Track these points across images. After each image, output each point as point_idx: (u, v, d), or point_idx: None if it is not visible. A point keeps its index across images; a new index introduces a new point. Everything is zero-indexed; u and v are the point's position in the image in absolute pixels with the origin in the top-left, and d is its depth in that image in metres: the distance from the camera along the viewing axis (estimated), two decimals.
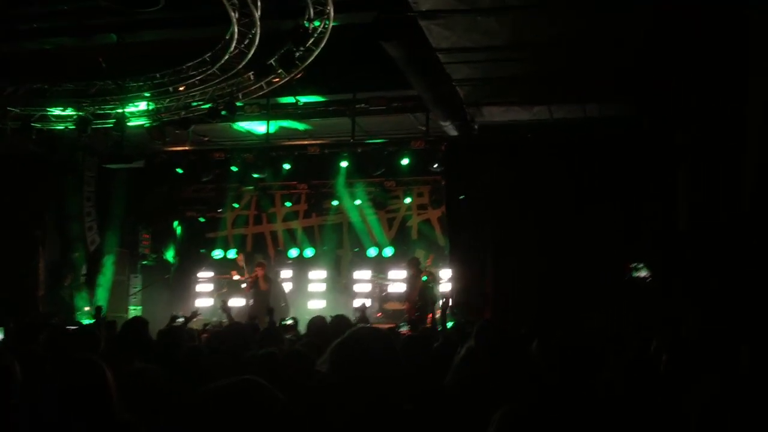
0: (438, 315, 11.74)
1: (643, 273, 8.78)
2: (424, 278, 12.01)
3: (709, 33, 6.88)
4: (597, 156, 10.63)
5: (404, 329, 7.22)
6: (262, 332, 5.67)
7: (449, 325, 7.61)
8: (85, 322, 11.17)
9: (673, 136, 8.69)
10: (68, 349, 3.83)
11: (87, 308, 13.75)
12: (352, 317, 9.84)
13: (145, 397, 3.16)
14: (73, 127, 11.62)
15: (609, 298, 9.72)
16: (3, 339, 4.20)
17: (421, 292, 11.73)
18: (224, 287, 16.01)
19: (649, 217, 9.78)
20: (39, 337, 4.52)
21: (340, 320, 5.59)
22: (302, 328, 7.43)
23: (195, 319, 8.26)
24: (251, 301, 13.34)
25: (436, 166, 12.76)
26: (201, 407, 1.57)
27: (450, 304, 8.39)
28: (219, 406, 1.56)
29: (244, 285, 14.54)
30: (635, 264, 8.90)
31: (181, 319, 7.57)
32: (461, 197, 11.67)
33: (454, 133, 11.23)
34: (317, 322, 5.89)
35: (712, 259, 5.98)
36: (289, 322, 8.47)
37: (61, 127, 11.96)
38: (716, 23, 6.63)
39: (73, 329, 6.38)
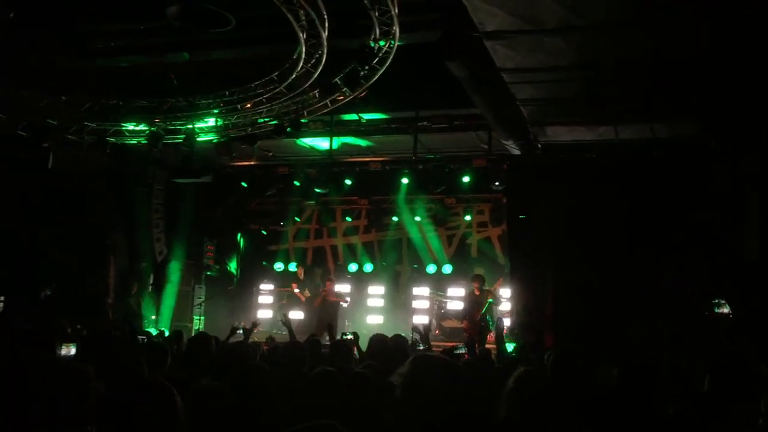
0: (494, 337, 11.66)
1: (725, 309, 8.46)
2: (491, 300, 11.91)
3: None
4: (663, 177, 10.37)
5: (462, 351, 7.15)
6: (331, 350, 5.71)
7: (510, 347, 7.52)
8: (153, 331, 11.50)
9: (741, 158, 8.42)
10: (137, 364, 3.94)
11: (153, 317, 14.18)
12: (411, 335, 9.88)
13: (209, 416, 3.23)
14: (145, 141, 12.03)
15: (669, 323, 9.44)
16: (76, 353, 4.36)
17: (486, 313, 11.65)
18: (284, 299, 16.24)
19: (716, 242, 9.46)
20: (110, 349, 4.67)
21: (399, 341, 5.59)
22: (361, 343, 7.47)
23: (255, 330, 8.38)
24: (316, 315, 13.56)
25: (497, 184, 12.68)
26: None
27: (504, 328, 8.30)
28: None
29: (303, 296, 14.82)
30: (717, 300, 8.57)
31: (240, 331, 7.68)
32: (522, 216, 11.55)
33: (516, 152, 11.14)
34: (378, 341, 5.90)
35: None
36: (350, 336, 8.51)
37: (134, 141, 12.42)
38: None
39: (141, 340, 6.60)
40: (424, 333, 7.29)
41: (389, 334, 6.95)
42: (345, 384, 3.40)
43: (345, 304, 14.11)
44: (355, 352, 6.69)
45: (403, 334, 8.10)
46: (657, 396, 3.70)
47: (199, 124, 11.91)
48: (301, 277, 16.00)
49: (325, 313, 12.98)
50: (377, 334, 6.43)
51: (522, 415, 2.89)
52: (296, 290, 15.51)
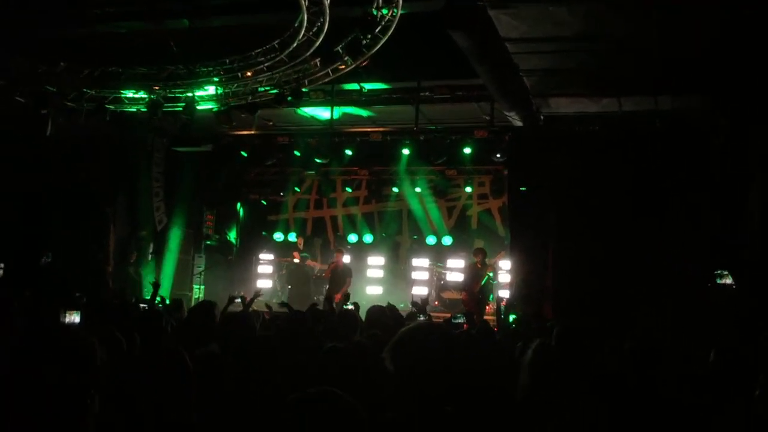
0: (493, 309, 11.71)
1: (728, 280, 8.47)
2: (491, 273, 11.94)
3: None
4: (666, 151, 10.33)
5: (460, 320, 7.18)
6: (338, 319, 5.72)
7: (511, 318, 7.57)
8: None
9: (749, 132, 8.38)
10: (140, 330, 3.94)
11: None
12: (410, 306, 9.92)
13: (212, 382, 3.24)
14: (145, 109, 11.94)
15: (678, 299, 9.45)
16: (81, 321, 4.36)
17: (484, 286, 11.68)
18: (283, 269, 16.29)
19: (721, 216, 9.45)
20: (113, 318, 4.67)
21: (393, 311, 5.58)
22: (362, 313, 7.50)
23: (258, 299, 8.41)
24: (326, 287, 13.70)
25: (498, 156, 12.63)
26: (282, 419, 1.59)
27: (503, 301, 8.32)
28: (299, 417, 1.57)
29: (319, 272, 14.95)
30: (720, 271, 8.58)
31: (238, 300, 7.70)
32: (523, 188, 11.53)
33: (519, 123, 11.08)
34: (377, 311, 5.92)
35: None
36: (350, 306, 8.54)
37: (133, 109, 12.31)
38: None
39: (142, 309, 6.61)
40: (422, 305, 7.32)
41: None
42: (347, 355, 3.40)
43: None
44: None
45: (402, 305, 8.13)
46: (662, 372, 3.71)
47: (199, 93, 11.79)
48: (301, 246, 16.04)
49: (335, 283, 13.07)
50: (375, 305, 6.45)
51: (544, 384, 2.88)
52: (308, 261, 15.60)
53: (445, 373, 2.47)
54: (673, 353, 4.20)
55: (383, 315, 5.97)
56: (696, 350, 4.25)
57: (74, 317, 4.37)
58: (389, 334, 4.73)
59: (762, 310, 6.76)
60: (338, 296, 11.75)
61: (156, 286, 8.46)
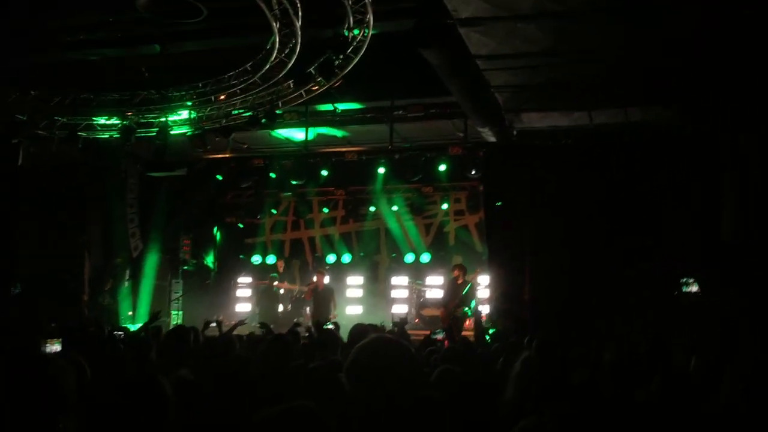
0: (472, 324, 11.70)
1: (693, 288, 8.61)
2: (467, 289, 11.93)
3: (756, 35, 6.75)
4: (638, 162, 10.48)
5: (440, 336, 7.18)
6: (319, 340, 5.70)
7: (487, 337, 7.59)
8: (130, 327, 11.36)
9: (718, 142, 8.53)
10: (121, 358, 3.89)
11: (130, 312, 14.03)
12: (391, 324, 9.90)
13: (188, 406, 3.20)
14: (118, 135, 11.87)
15: (649, 308, 9.55)
16: (62, 350, 4.29)
17: (464, 297, 11.68)
18: (259, 294, 16.17)
19: (692, 224, 9.60)
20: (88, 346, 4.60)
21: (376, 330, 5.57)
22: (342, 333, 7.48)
23: (240, 327, 8.33)
24: (308, 309, 13.65)
25: (474, 172, 12.72)
26: None
27: (483, 315, 8.33)
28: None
29: (299, 293, 14.89)
30: (685, 279, 8.72)
31: (213, 324, 7.64)
32: (498, 203, 11.61)
33: (492, 139, 11.18)
34: (360, 332, 5.90)
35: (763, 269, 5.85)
36: (330, 326, 8.51)
37: (106, 135, 12.24)
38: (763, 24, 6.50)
39: (118, 336, 6.52)
40: (401, 326, 7.33)
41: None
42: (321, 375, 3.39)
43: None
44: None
45: (383, 323, 8.10)
46: (637, 377, 3.75)
47: (172, 117, 11.78)
48: (281, 269, 15.94)
49: (318, 304, 13.02)
50: (358, 324, 6.43)
51: (528, 395, 2.88)
52: (276, 283, 15.47)
53: (398, 384, 2.43)
54: (649, 359, 4.24)
55: (366, 334, 5.94)
56: (669, 355, 4.30)
57: (55, 346, 4.30)
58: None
59: (729, 315, 6.87)
60: (333, 315, 11.83)
61: (155, 316, 8.30)
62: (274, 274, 15.56)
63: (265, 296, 15.37)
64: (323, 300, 13.02)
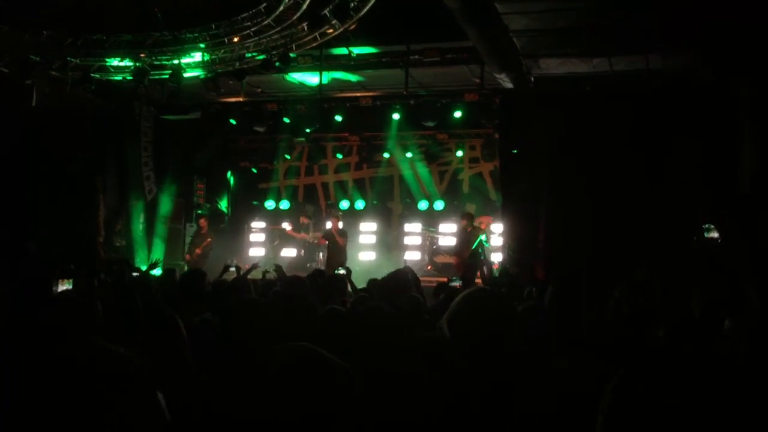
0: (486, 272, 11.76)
1: (714, 234, 8.52)
2: (482, 236, 11.93)
3: None
4: (657, 109, 10.30)
5: (457, 283, 7.21)
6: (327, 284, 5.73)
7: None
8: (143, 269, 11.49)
9: (738, 89, 8.35)
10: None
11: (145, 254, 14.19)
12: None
13: (203, 348, 3.24)
14: (131, 77, 11.78)
15: (666, 255, 9.50)
16: (73, 289, 4.34)
17: (475, 250, 11.70)
18: (276, 239, 16.29)
19: (710, 173, 9.47)
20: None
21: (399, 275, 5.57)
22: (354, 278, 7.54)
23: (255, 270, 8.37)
24: (322, 254, 13.74)
25: (489, 118, 12.57)
26: (255, 373, 1.54)
27: (495, 264, 8.33)
28: (274, 372, 1.53)
29: (313, 239, 15.00)
30: (707, 225, 8.63)
31: (233, 268, 7.67)
32: (514, 151, 11.50)
33: (509, 85, 11.00)
34: (376, 282, 5.93)
35: None
36: (342, 271, 8.55)
37: (119, 77, 12.15)
38: None
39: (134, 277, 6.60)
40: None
41: (381, 271, 7.02)
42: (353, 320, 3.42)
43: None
44: (349, 287, 6.73)
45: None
46: (652, 325, 3.74)
47: (185, 59, 11.64)
48: (306, 221, 15.88)
49: (333, 250, 13.11)
50: (373, 278, 6.49)
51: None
52: (289, 228, 15.56)
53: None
54: (665, 306, 4.24)
55: (383, 284, 5.85)
56: (686, 302, 4.29)
57: (66, 285, 4.35)
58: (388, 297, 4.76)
59: (746, 261, 6.84)
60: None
61: (154, 265, 8.39)
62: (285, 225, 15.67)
63: (279, 242, 15.52)
64: (337, 245, 13.09)
